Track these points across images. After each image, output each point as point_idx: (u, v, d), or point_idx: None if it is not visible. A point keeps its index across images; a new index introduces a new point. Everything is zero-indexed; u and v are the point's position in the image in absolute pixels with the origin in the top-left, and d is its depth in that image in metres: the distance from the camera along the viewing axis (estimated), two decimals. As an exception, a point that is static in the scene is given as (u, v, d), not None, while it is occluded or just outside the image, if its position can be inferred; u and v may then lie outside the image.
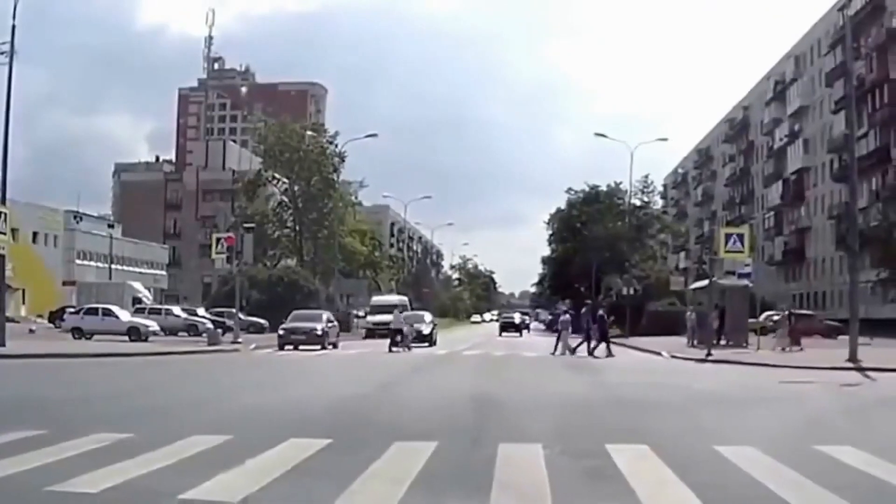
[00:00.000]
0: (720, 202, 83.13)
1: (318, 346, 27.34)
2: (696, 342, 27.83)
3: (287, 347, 27.14)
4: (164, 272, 74.94)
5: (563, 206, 62.63)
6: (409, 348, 28.35)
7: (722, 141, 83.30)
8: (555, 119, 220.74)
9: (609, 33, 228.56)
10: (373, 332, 41.70)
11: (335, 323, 30.88)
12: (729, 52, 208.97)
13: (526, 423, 9.29)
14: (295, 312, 30.94)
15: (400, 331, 28.65)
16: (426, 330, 34.13)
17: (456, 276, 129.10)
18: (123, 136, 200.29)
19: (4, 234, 21.61)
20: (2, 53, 21.56)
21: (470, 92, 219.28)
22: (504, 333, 51.85)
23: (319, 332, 27.91)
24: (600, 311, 27.33)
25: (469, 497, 5.41)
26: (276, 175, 58.81)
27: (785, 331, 27.18)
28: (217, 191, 76.71)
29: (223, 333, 32.01)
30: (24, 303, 53.58)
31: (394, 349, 27.52)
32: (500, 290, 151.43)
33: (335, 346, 29.00)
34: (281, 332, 28.38)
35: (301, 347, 27.33)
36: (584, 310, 27.60)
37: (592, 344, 25.26)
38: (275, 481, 5.73)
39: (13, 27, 21.73)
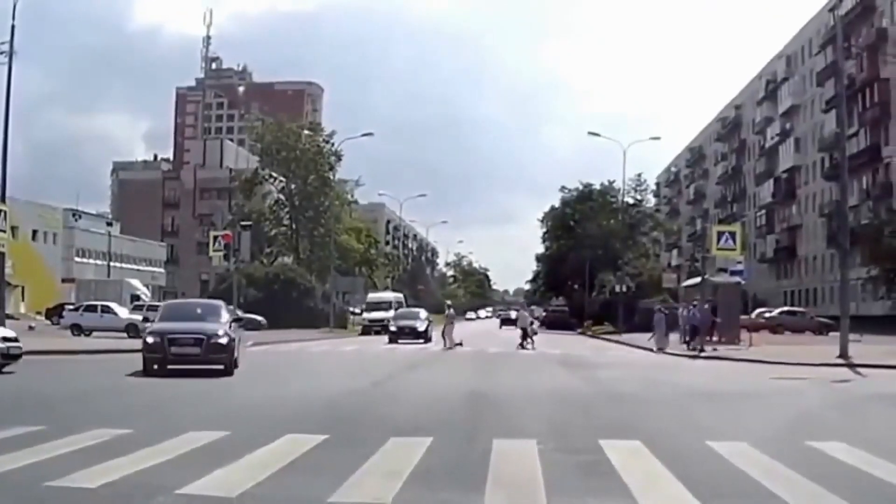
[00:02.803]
0: (712, 200, 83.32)
1: (222, 367, 15.14)
2: (687, 339, 27.98)
3: (154, 367, 15.02)
4: (162, 269, 75.05)
5: (556, 204, 62.92)
6: (534, 347, 27.45)
7: (714, 140, 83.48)
8: (549, 118, 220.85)
9: (603, 33, 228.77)
10: (369, 329, 41.83)
11: (242, 320, 17.72)
12: (721, 51, 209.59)
13: (520, 418, 9.36)
14: (169, 304, 19.92)
15: (525, 329, 28.63)
16: (421, 327, 34.25)
17: (451, 273, 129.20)
18: (121, 135, 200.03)
19: (4, 231, 21.59)
20: (1, 53, 21.58)
21: (465, 91, 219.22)
22: (504, 327, 58.88)
23: (223, 341, 15.33)
24: (706, 306, 26.20)
25: (464, 491, 5.47)
26: (273, 174, 58.85)
27: (663, 331, 26.73)
28: (214, 189, 76.92)
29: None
30: (23, 300, 53.56)
31: (523, 348, 27.32)
32: (494, 287, 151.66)
33: (236, 364, 15.91)
34: (150, 340, 15.33)
35: (179, 367, 15.02)
36: (680, 309, 27.26)
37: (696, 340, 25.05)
38: (272, 476, 5.79)
39: (13, 27, 21.75)
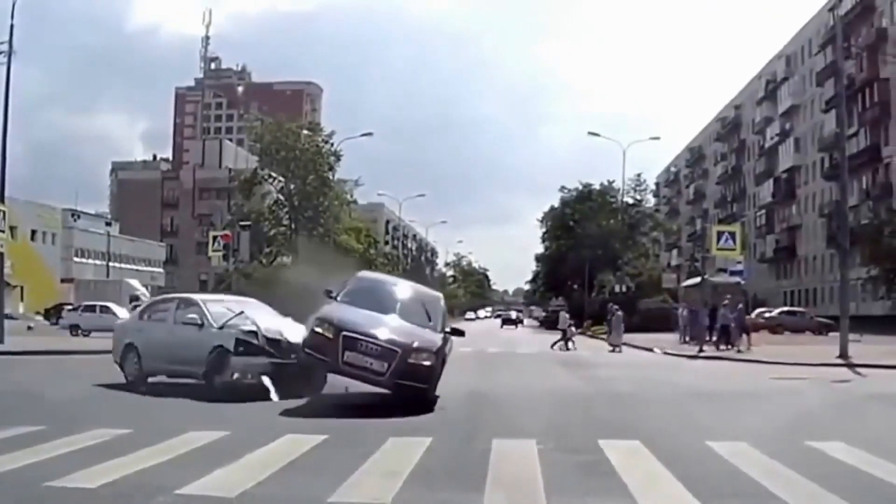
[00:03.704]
0: (712, 200, 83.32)
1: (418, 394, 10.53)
2: (687, 339, 27.99)
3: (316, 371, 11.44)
4: (161, 270, 75.17)
5: (556, 204, 62.93)
6: (574, 347, 27.81)
7: (714, 140, 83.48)
8: (548, 118, 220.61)
9: (603, 33, 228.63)
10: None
11: None
12: (721, 51, 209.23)
13: (520, 418, 9.36)
14: (365, 277, 12.91)
15: (564, 331, 28.79)
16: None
17: (450, 273, 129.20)
18: (120, 135, 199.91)
19: (3, 231, 21.62)
20: (1, 53, 21.61)
21: (465, 91, 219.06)
22: (504, 326, 63.75)
23: (427, 362, 10.42)
24: (740, 306, 26.04)
25: (464, 491, 5.48)
26: (272, 173, 58.75)
27: (620, 330, 27.08)
28: (213, 189, 76.83)
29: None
30: (22, 300, 53.62)
31: (559, 348, 27.49)
32: (494, 287, 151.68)
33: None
34: (329, 335, 10.41)
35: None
36: (679, 309, 27.26)
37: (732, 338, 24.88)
38: (272, 476, 5.80)
39: (12, 27, 21.80)
